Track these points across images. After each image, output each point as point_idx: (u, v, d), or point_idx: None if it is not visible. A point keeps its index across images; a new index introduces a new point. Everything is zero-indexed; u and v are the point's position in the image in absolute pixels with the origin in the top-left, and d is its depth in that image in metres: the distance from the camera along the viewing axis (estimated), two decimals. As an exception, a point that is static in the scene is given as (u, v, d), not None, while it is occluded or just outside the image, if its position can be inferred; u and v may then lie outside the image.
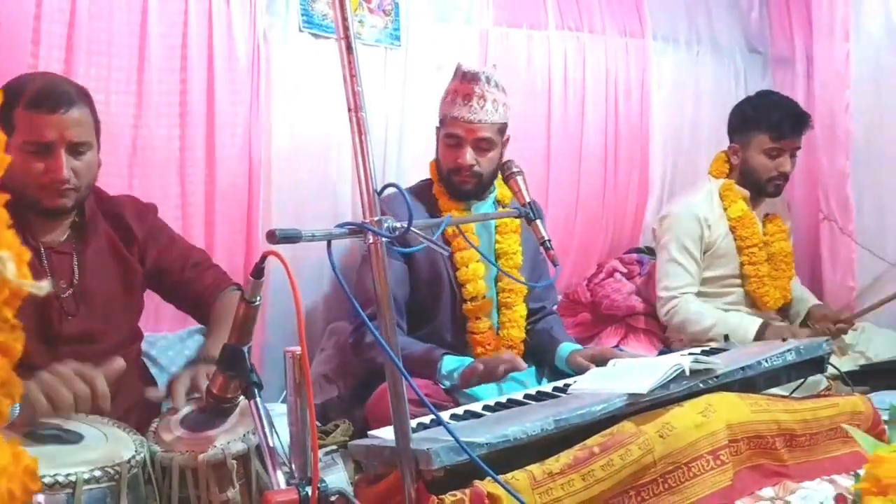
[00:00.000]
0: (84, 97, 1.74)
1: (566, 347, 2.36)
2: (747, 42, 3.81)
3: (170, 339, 2.35)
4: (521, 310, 2.42)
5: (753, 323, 2.81)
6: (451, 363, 2.16)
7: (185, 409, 1.55)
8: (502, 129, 2.37)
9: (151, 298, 2.04)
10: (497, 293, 2.42)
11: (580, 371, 2.16)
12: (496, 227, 2.42)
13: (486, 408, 1.80)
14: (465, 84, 2.30)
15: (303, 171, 2.58)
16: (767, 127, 2.88)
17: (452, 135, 2.31)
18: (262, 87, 2.47)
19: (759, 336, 2.75)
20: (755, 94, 3.09)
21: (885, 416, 1.96)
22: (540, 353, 2.47)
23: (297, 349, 1.22)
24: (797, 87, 3.80)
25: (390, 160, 2.74)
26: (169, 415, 1.55)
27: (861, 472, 0.74)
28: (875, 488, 0.60)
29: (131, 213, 1.91)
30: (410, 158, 2.80)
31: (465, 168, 2.31)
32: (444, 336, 2.36)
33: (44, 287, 0.56)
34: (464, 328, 2.37)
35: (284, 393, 2.40)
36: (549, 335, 2.46)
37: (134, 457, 1.37)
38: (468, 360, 2.17)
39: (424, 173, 2.64)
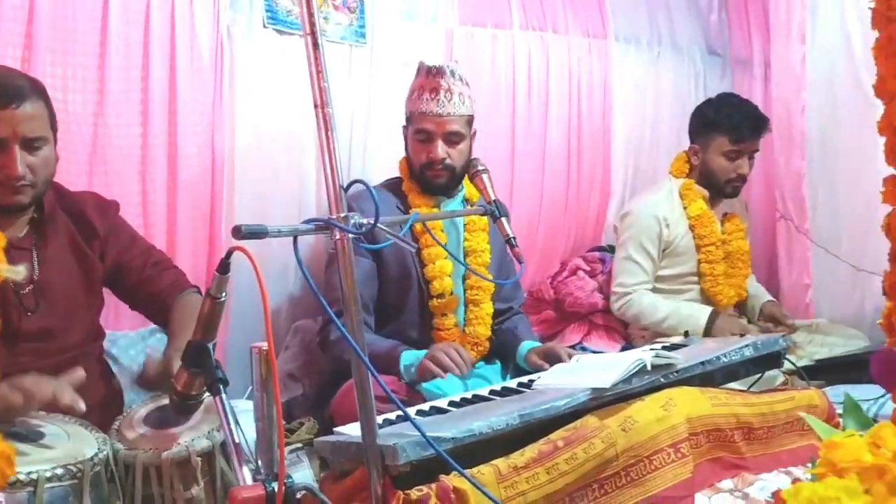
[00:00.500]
0: (38, 90, 1.71)
1: (526, 346, 2.39)
2: (707, 44, 3.87)
3: (131, 337, 2.32)
4: (488, 307, 2.44)
5: (704, 311, 2.88)
6: (408, 358, 2.17)
7: (149, 406, 1.54)
8: (470, 121, 2.39)
9: (112, 296, 2.01)
10: (464, 290, 2.44)
11: (536, 369, 2.19)
12: (465, 224, 2.44)
13: (451, 403, 1.81)
14: (430, 79, 2.31)
15: (267, 168, 2.56)
16: (727, 130, 2.94)
17: (423, 130, 2.33)
18: (226, 83, 2.44)
19: (710, 324, 2.83)
20: (716, 96, 3.15)
21: (840, 410, 2.02)
22: (505, 352, 2.49)
23: (264, 345, 1.21)
24: (755, 89, 3.88)
25: (355, 157, 2.74)
26: (132, 413, 1.54)
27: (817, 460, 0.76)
28: (831, 473, 0.62)
29: (93, 208, 1.89)
30: (375, 155, 2.80)
31: (438, 162, 2.33)
32: (410, 332, 2.37)
33: (20, 272, 0.56)
34: (430, 324, 2.38)
35: (249, 390, 2.41)
36: (514, 334, 2.48)
37: (97, 454, 1.35)
38: (424, 352, 2.18)
39: (389, 170, 2.64)
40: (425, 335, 2.39)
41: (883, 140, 1.68)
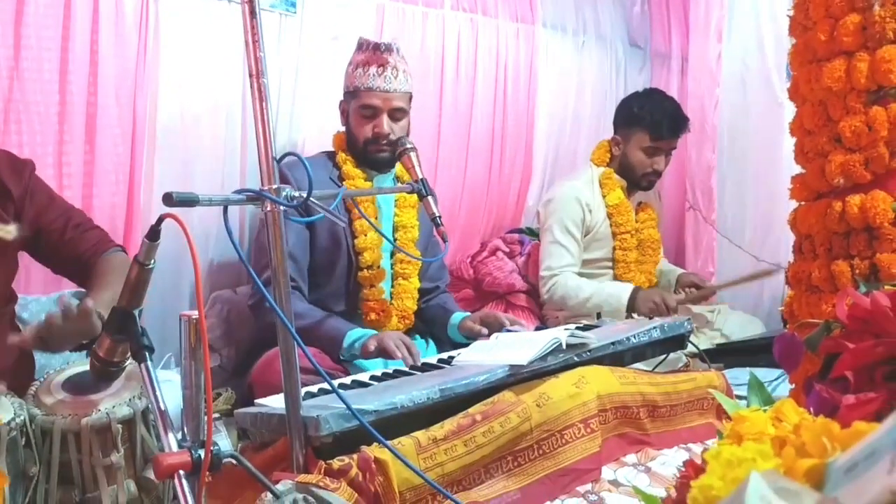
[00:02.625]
0: None
1: (458, 316, 2.45)
2: (629, 36, 3.98)
3: (42, 301, 2.25)
4: (415, 282, 2.49)
5: (626, 289, 2.99)
6: (353, 335, 2.20)
7: (68, 372, 1.51)
8: (411, 98, 2.43)
9: (21, 259, 1.95)
10: (392, 264, 2.48)
11: (472, 335, 2.25)
12: (396, 200, 2.47)
13: (373, 378, 1.84)
14: (378, 55, 2.33)
15: (190, 135, 2.51)
16: (649, 126, 3.03)
17: (368, 105, 2.34)
18: (150, 44, 2.38)
19: (633, 300, 2.93)
20: (643, 91, 3.24)
21: (737, 391, 2.15)
22: (434, 327, 2.54)
23: (194, 313, 1.21)
24: (672, 83, 4.02)
25: (281, 128, 2.72)
26: (50, 378, 1.50)
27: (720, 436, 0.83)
28: (737, 444, 0.68)
29: (6, 169, 1.81)
30: (301, 128, 2.79)
31: (384, 137, 2.35)
32: (336, 302, 2.40)
33: (11, 231, 0.55)
34: (357, 295, 2.41)
35: (166, 358, 2.38)
36: (443, 308, 2.54)
37: (13, 419, 1.32)
38: (370, 332, 2.21)
39: (316, 142, 2.64)
40: (352, 305, 2.42)
41: (793, 141, 1.80)
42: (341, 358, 2.19)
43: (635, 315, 2.90)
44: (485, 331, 2.26)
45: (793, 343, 1.03)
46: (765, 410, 0.72)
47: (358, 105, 2.36)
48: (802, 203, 1.83)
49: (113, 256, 1.83)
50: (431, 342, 2.53)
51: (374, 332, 2.22)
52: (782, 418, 0.68)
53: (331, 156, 2.47)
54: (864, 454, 0.58)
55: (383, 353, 2.11)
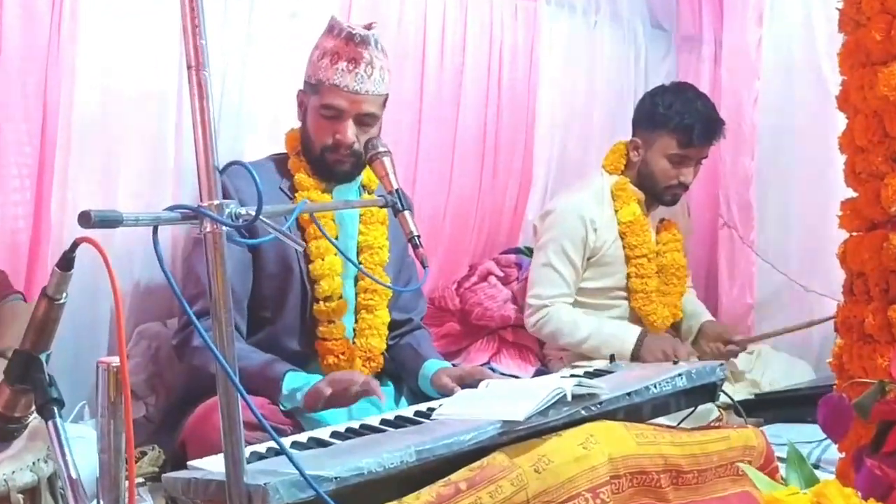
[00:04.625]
0: None
1: (432, 365, 2.44)
2: (651, 16, 4.02)
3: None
4: (383, 315, 2.48)
5: (632, 332, 3.01)
6: (294, 380, 2.18)
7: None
8: (385, 101, 2.42)
9: None
10: (356, 294, 2.47)
11: (445, 394, 2.24)
12: (360, 215, 2.47)
13: (334, 434, 1.84)
14: (351, 47, 2.30)
15: (113, 134, 2.51)
16: (676, 130, 3.05)
17: (332, 106, 2.33)
18: (66, 24, 2.37)
19: (638, 346, 2.97)
20: (671, 86, 3.24)
21: (779, 452, 2.15)
22: (402, 372, 2.53)
23: (114, 360, 1.21)
24: (702, 73, 4.03)
25: (227, 127, 2.71)
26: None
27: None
28: (772, 533, 0.69)
29: None
30: (250, 125, 2.79)
31: (345, 146, 2.34)
32: (288, 342, 2.39)
33: None
34: (313, 333, 2.41)
35: (77, 409, 2.37)
36: (414, 351, 2.53)
37: None
38: (315, 377, 2.20)
39: (266, 144, 2.64)
40: (307, 345, 2.41)
41: (843, 157, 1.81)
42: (281, 409, 2.18)
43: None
44: (458, 390, 2.22)
45: (840, 406, 1.04)
46: (805, 493, 0.73)
47: (319, 103, 2.35)
48: (854, 234, 1.84)
49: (8, 308, 1.82)
50: (405, 389, 2.53)
51: (318, 377, 2.20)
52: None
53: (280, 161, 2.47)
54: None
55: (333, 400, 2.10)
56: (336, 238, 2.38)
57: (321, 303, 2.38)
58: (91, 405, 2.37)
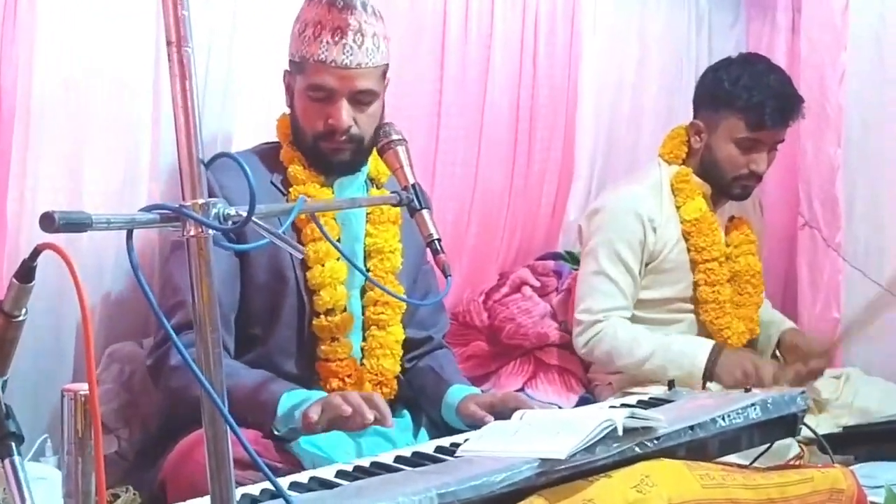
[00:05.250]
0: None
1: (458, 391, 2.44)
2: (716, -24, 4.01)
3: None
4: (397, 332, 2.49)
5: (704, 347, 3.00)
6: (292, 398, 2.18)
7: None
8: (385, 71, 2.43)
9: None
10: (363, 307, 2.48)
11: (474, 425, 2.23)
12: (367, 214, 2.48)
13: (340, 474, 1.84)
14: (333, 14, 2.31)
15: (80, 119, 2.52)
16: (745, 109, 3.04)
17: (320, 86, 2.33)
18: (22, 1, 2.40)
19: (712, 364, 2.95)
20: (739, 57, 3.23)
21: (873, 496, 2.14)
22: (421, 399, 2.54)
23: (82, 387, 1.22)
24: (776, 44, 4.01)
25: (211, 112, 2.71)
26: None
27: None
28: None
29: None
30: (238, 110, 2.79)
31: (341, 130, 2.35)
32: (283, 364, 2.39)
33: None
34: (312, 353, 2.41)
35: (38, 444, 2.38)
36: (436, 375, 2.53)
37: None
38: (318, 393, 2.20)
39: (258, 132, 2.65)
40: (306, 368, 2.42)
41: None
42: (275, 434, 2.18)
43: (712, 386, 2.90)
44: (490, 419, 2.20)
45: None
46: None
47: (305, 84, 2.36)
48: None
49: None
50: (424, 419, 2.54)
51: (322, 394, 2.21)
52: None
53: (270, 152, 2.48)
54: None
55: (334, 422, 2.10)
56: (338, 241, 2.38)
57: (322, 317, 2.39)
58: (54, 440, 2.39)
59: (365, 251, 2.47)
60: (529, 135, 3.53)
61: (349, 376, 2.41)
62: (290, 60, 2.42)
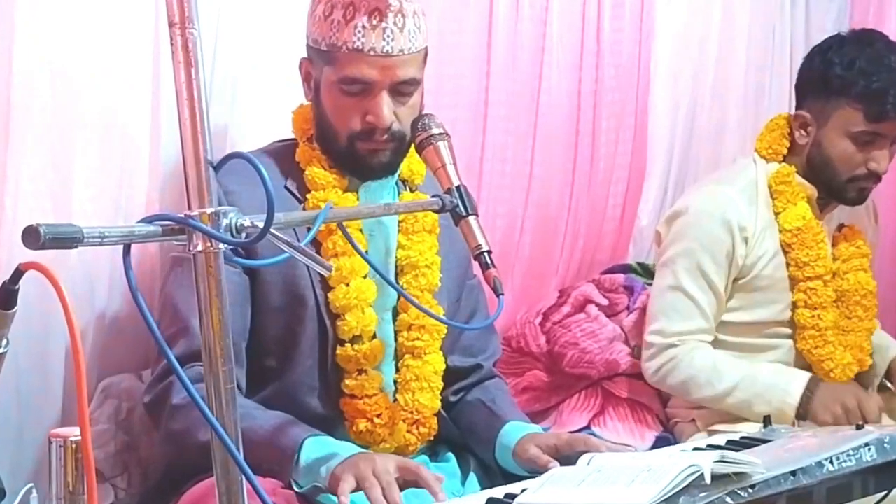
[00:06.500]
0: None
1: (515, 430, 2.42)
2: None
3: None
4: (436, 362, 2.47)
5: (798, 379, 2.98)
6: (316, 448, 2.16)
7: None
8: (426, 56, 2.42)
9: None
10: (395, 332, 2.47)
11: (534, 471, 2.22)
12: (400, 223, 2.47)
13: (375, 534, 1.84)
14: None
15: (68, 117, 2.54)
16: (863, 98, 3.00)
17: (357, 79, 2.31)
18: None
19: (807, 399, 2.93)
20: (851, 35, 3.19)
21: None
22: (470, 440, 2.54)
23: (73, 432, 1.22)
24: (889, 16, 3.99)
25: (217, 107, 2.71)
26: None
27: None
28: None
29: None
30: (247, 106, 2.80)
31: (382, 129, 2.34)
32: (304, 401, 2.39)
33: None
34: (336, 388, 2.41)
35: (24, 492, 2.39)
36: (488, 410, 2.53)
37: None
38: (346, 446, 2.19)
39: (269, 129, 2.65)
40: (329, 406, 2.42)
41: None
42: (295, 489, 2.17)
43: (800, 424, 2.86)
44: (555, 465, 2.19)
45: None
46: None
47: (337, 77, 2.34)
48: None
49: None
50: (473, 463, 2.54)
51: (358, 448, 2.20)
52: None
53: (283, 152, 2.48)
54: None
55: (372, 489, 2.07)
56: (366, 253, 2.36)
57: (347, 345, 2.38)
58: (41, 490, 2.40)
59: (397, 266, 2.47)
60: (593, 125, 3.52)
61: (379, 415, 2.39)
62: (312, 47, 2.40)
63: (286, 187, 2.42)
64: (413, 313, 2.43)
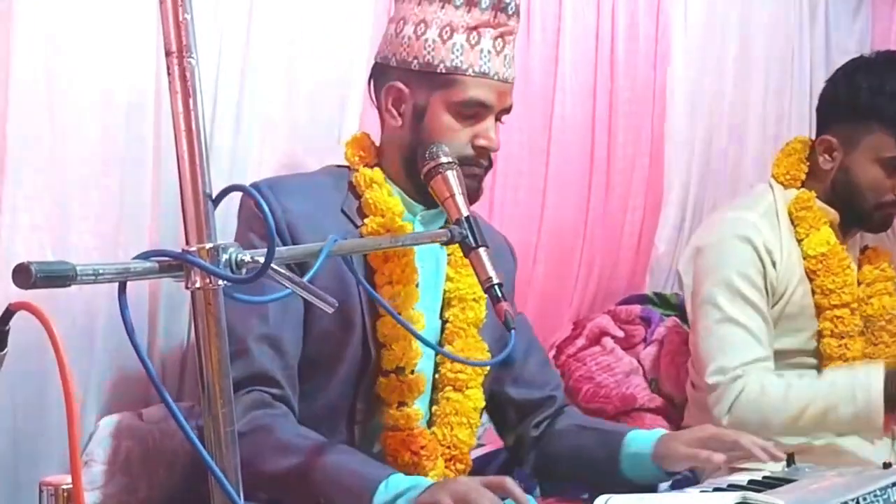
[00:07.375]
0: None
1: (642, 437, 2.47)
2: (833, -47, 4.00)
3: None
4: (476, 396, 2.47)
5: (873, 370, 2.95)
6: (399, 482, 2.11)
7: None
8: None
9: None
10: (437, 364, 2.47)
11: (696, 466, 2.36)
12: (449, 257, 2.49)
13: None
14: (499, 16, 2.36)
15: (66, 148, 2.53)
16: (894, 123, 2.99)
17: (480, 102, 2.36)
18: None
19: (892, 384, 2.90)
20: (879, 56, 3.17)
21: None
22: (578, 462, 2.56)
23: (65, 479, 1.21)
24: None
25: (219, 137, 2.73)
26: None
27: None
28: None
29: None
30: (252, 136, 2.79)
31: (488, 154, 2.42)
32: (331, 427, 2.37)
33: None
34: (369, 418, 2.41)
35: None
36: (594, 431, 2.59)
37: None
38: (424, 480, 2.15)
39: (282, 159, 2.65)
40: (362, 437, 2.41)
41: None
42: None
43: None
44: (721, 458, 2.29)
45: None
46: None
47: (460, 99, 2.36)
48: None
49: None
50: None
51: (427, 480, 2.16)
52: None
53: (339, 174, 2.49)
54: None
55: None
56: (417, 286, 2.40)
57: (391, 376, 2.38)
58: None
59: (444, 298, 2.48)
60: (608, 150, 3.53)
61: (423, 447, 2.38)
62: (415, 72, 2.40)
63: (343, 210, 2.43)
64: (458, 345, 2.45)
